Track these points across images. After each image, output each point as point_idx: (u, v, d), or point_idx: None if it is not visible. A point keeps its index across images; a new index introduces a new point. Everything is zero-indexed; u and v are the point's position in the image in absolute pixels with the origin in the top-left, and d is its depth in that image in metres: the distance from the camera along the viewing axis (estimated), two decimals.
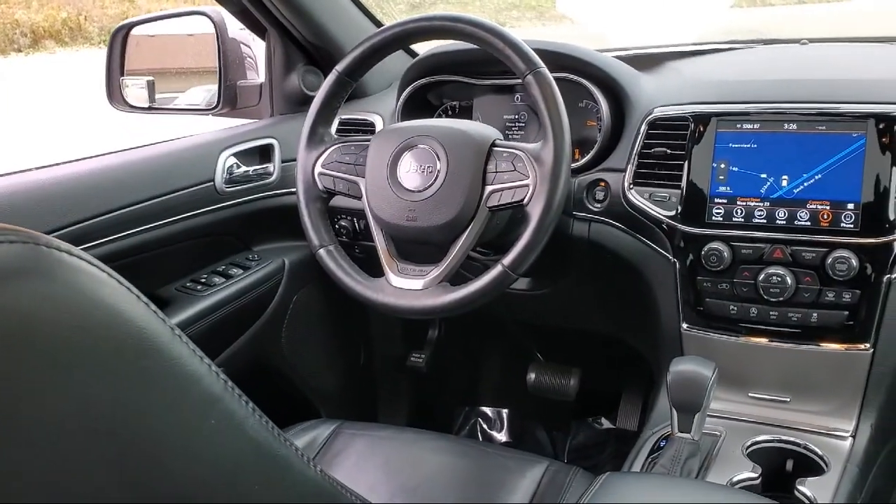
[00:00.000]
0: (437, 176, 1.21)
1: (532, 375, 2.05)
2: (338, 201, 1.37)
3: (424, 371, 1.99)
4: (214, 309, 1.48)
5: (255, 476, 0.46)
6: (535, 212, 1.14)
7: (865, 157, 1.16)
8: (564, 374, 2.02)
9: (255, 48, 1.83)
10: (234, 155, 1.57)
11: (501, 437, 2.17)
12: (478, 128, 1.25)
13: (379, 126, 1.64)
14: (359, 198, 1.29)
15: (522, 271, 1.16)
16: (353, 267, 1.29)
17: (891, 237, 1.14)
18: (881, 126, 1.16)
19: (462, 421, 2.18)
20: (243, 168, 1.59)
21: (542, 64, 1.16)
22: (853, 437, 1.21)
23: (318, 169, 1.31)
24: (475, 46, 1.30)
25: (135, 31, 1.78)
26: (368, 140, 1.30)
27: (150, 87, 1.78)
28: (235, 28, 1.77)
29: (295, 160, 1.33)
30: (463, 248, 1.20)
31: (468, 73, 1.54)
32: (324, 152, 1.31)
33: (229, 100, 1.75)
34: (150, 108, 1.77)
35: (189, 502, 0.42)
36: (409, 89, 1.57)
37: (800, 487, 1.11)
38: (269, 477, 0.47)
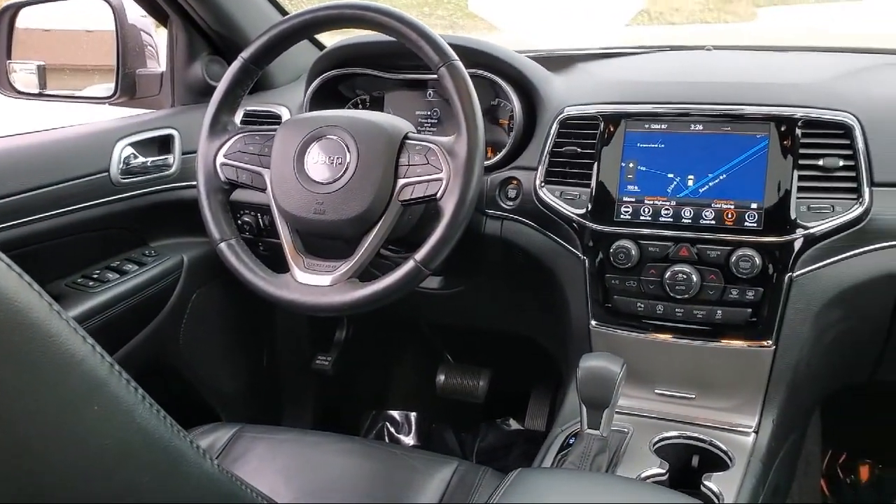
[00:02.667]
0: (346, 168, 1.17)
1: (441, 377, 2.03)
2: (241, 195, 1.32)
3: (331, 373, 1.95)
4: (107, 307, 1.40)
5: (145, 467, 0.42)
6: (448, 206, 1.12)
7: (768, 158, 1.19)
8: (474, 376, 2.02)
9: (158, 37, 1.75)
10: (132, 145, 1.49)
11: (409, 440, 2.14)
12: (390, 120, 1.22)
13: (285, 118, 1.59)
14: (263, 190, 1.24)
15: (435, 267, 1.14)
16: (255, 262, 1.24)
17: (791, 237, 1.17)
18: (782, 129, 1.19)
19: (369, 425, 2.14)
20: (141, 159, 1.51)
21: (456, 57, 1.15)
22: (756, 432, 1.24)
23: (220, 159, 1.26)
24: (387, 39, 1.27)
25: (29, 24, 1.68)
26: (274, 130, 1.25)
27: (41, 72, 1.67)
28: (136, 14, 1.68)
29: (196, 152, 1.27)
30: (373, 243, 1.17)
31: (380, 66, 1.51)
32: (227, 142, 1.26)
33: (127, 88, 1.66)
34: (40, 95, 1.66)
35: (69, 493, 0.38)
36: (317, 81, 1.53)
37: (706, 483, 1.12)
38: (160, 469, 0.43)
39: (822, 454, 1.77)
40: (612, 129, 1.27)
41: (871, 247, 1.18)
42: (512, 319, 1.65)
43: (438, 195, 1.13)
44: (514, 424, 2.11)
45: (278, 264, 1.24)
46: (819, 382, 1.34)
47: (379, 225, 1.17)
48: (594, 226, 1.26)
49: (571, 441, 1.23)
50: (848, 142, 1.18)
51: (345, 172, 1.17)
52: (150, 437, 0.42)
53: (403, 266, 1.14)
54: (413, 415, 2.14)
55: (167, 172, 1.56)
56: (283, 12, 1.73)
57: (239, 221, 1.58)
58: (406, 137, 1.18)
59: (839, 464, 1.85)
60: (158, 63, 1.80)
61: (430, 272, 1.15)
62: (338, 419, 2.08)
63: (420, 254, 1.13)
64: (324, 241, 1.31)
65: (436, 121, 1.53)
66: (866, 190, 1.16)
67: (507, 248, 1.39)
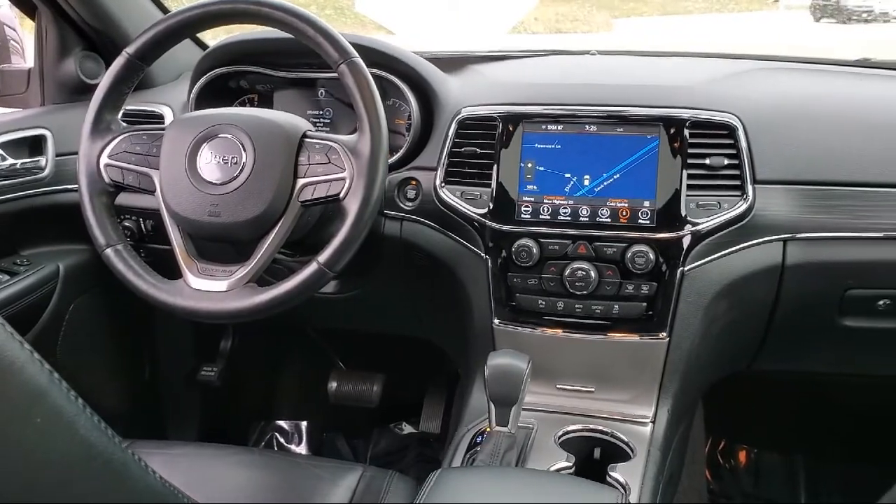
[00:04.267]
0: (242, 168, 1.13)
1: (333, 384, 2.00)
2: (122, 199, 1.24)
3: (217, 385, 1.88)
4: None
5: (89, 483, 0.38)
6: (352, 206, 1.10)
7: (659, 158, 1.24)
8: (367, 381, 1.99)
9: (25, 31, 1.64)
10: None
11: (300, 450, 2.09)
12: (287, 118, 1.19)
13: (168, 118, 1.52)
14: (152, 192, 1.18)
15: (339, 269, 1.12)
16: (145, 268, 1.17)
17: (682, 233, 1.22)
18: (671, 130, 1.24)
19: (258, 436, 2.08)
20: (9, 161, 1.41)
21: (356, 53, 1.13)
22: (653, 422, 1.28)
23: (104, 160, 1.19)
24: (276, 36, 1.24)
25: None
26: (163, 129, 1.19)
27: None
28: None
29: (72, 154, 1.20)
30: (272, 246, 1.13)
31: (268, 64, 1.47)
32: (111, 142, 1.19)
33: None
34: None
35: None
36: (203, 79, 1.47)
37: (611, 473, 1.15)
38: (105, 484, 0.39)
39: (705, 442, 1.86)
40: (510, 130, 1.29)
41: (755, 241, 1.24)
42: (408, 322, 1.64)
43: (341, 195, 1.11)
44: (407, 428, 2.10)
45: (164, 272, 1.18)
46: (706, 372, 1.40)
47: (278, 227, 1.13)
48: (496, 225, 1.27)
49: (479, 440, 1.23)
50: (732, 141, 1.24)
51: (240, 172, 1.13)
52: (94, 449, 0.38)
53: (306, 268, 1.11)
54: (304, 424, 2.10)
55: (39, 176, 1.45)
56: (163, 10, 1.65)
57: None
58: (305, 136, 1.15)
59: (719, 450, 1.95)
60: (24, 59, 1.68)
61: (334, 274, 1.12)
62: (225, 432, 2.00)
63: (323, 255, 1.11)
64: (218, 245, 1.26)
65: (328, 121, 1.50)
66: (750, 187, 1.22)
67: (406, 250, 1.38)
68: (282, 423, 2.09)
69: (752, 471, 1.91)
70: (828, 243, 1.25)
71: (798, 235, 1.25)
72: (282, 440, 2.07)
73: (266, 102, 1.52)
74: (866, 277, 1.28)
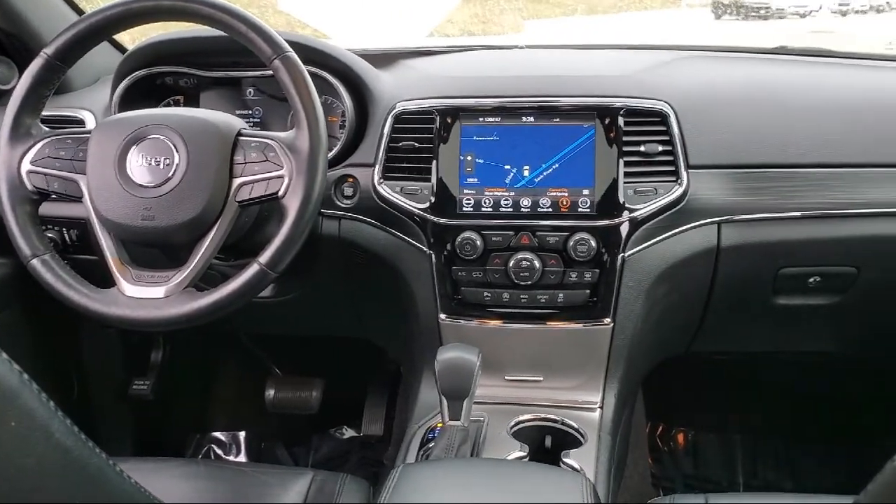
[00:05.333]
0: (175, 169, 1.10)
1: (271, 392, 1.96)
2: (43, 209, 1.19)
3: (150, 398, 1.81)
4: None
5: (65, 489, 0.35)
6: (292, 204, 1.08)
7: (595, 146, 1.25)
8: (305, 387, 1.96)
9: None
10: None
11: (239, 461, 2.03)
12: (220, 116, 1.16)
13: (90, 123, 1.45)
14: (79, 198, 1.14)
15: (281, 269, 1.09)
16: (76, 278, 1.13)
17: (621, 219, 1.24)
18: (606, 120, 1.26)
19: (194, 449, 2.01)
20: None
21: (290, 48, 1.10)
22: (601, 407, 1.30)
23: (25, 166, 1.13)
24: (200, 34, 1.20)
25: None
26: (88, 132, 1.15)
27: None
28: None
29: None
30: (210, 249, 1.10)
31: (194, 63, 1.43)
32: (32, 147, 1.14)
33: None
34: None
35: None
36: (125, 81, 1.41)
37: (565, 460, 1.15)
38: (84, 491, 0.36)
39: (645, 426, 1.89)
40: (448, 123, 1.28)
41: (691, 225, 1.27)
42: (347, 323, 1.62)
43: (280, 193, 1.09)
44: (348, 432, 2.07)
45: (94, 283, 1.13)
46: (648, 356, 1.43)
47: (215, 229, 1.10)
48: (438, 219, 1.27)
49: (431, 436, 1.22)
50: (665, 128, 1.26)
51: (174, 174, 1.10)
52: (70, 454, 0.35)
53: (247, 270, 1.08)
54: (241, 434, 2.05)
55: None
56: (78, 11, 1.58)
57: None
58: (240, 134, 1.13)
59: (658, 435, 1.98)
60: None
61: (276, 275, 1.10)
62: (160, 446, 1.93)
63: (265, 256, 1.08)
64: (153, 251, 1.22)
65: (258, 120, 1.47)
66: (684, 173, 1.25)
67: (345, 249, 1.36)
68: (218, 434, 2.03)
69: (691, 453, 1.96)
70: (760, 224, 1.29)
71: (731, 218, 1.28)
72: (219, 452, 2.01)
73: (192, 103, 1.47)
74: (797, 256, 1.32)
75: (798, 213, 1.28)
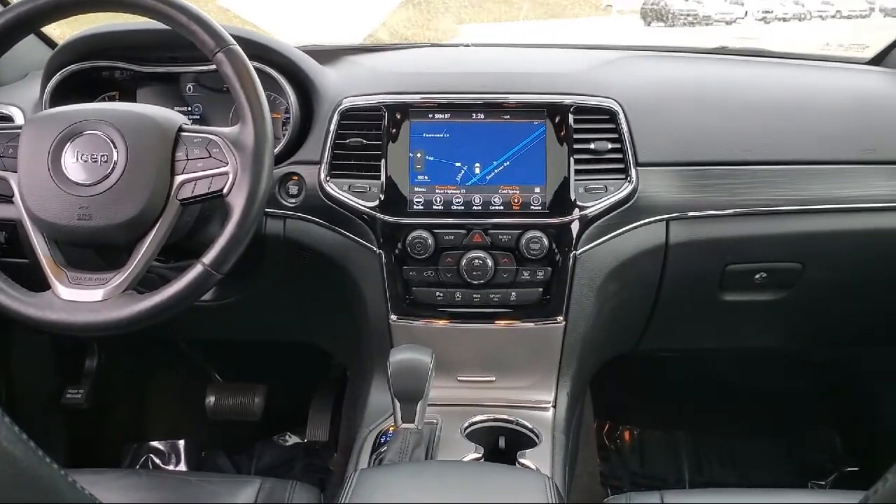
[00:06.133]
0: (113, 166, 1.05)
1: (211, 398, 1.90)
2: None
3: (84, 407, 1.73)
4: None
5: (18, 499, 0.32)
6: (237, 202, 1.04)
7: (546, 144, 1.25)
8: (247, 393, 1.91)
9: None
10: None
11: (179, 470, 1.96)
12: (161, 111, 1.12)
13: (18, 119, 1.38)
14: (9, 197, 1.08)
15: (226, 270, 1.05)
16: (7, 281, 1.07)
17: (572, 217, 1.23)
18: (557, 117, 1.25)
19: (131, 459, 1.94)
20: None
21: (233, 40, 1.06)
22: (554, 406, 1.29)
23: None
24: (136, 27, 1.16)
25: None
26: (19, 128, 1.09)
27: None
28: None
29: None
30: (151, 249, 1.06)
31: (130, 58, 1.37)
32: None
33: None
34: None
35: None
36: (57, 76, 1.34)
37: (521, 460, 1.14)
38: (36, 501, 0.33)
39: (593, 425, 1.90)
40: (397, 120, 1.26)
41: (640, 222, 1.28)
42: (292, 326, 1.57)
43: (225, 191, 1.05)
44: (292, 438, 2.02)
45: (26, 287, 1.07)
46: (598, 354, 1.42)
47: (156, 228, 1.06)
48: (388, 218, 1.24)
49: (383, 440, 1.19)
50: (614, 126, 1.26)
51: (112, 171, 1.05)
52: (20, 464, 0.32)
53: (190, 271, 1.04)
54: (181, 443, 1.97)
55: None
56: (3, 2, 1.50)
57: None
58: (181, 129, 1.09)
59: (605, 433, 1.99)
60: None
61: (221, 276, 1.06)
62: (94, 457, 1.85)
63: (209, 256, 1.04)
64: (90, 251, 1.16)
65: (197, 117, 1.42)
66: (633, 170, 1.25)
67: (291, 249, 1.32)
68: (156, 443, 1.96)
69: (638, 451, 1.97)
70: (707, 221, 1.30)
71: (679, 215, 1.29)
72: (158, 461, 1.94)
73: (128, 99, 1.42)
74: (744, 252, 1.34)
75: (744, 210, 1.30)
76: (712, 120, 1.33)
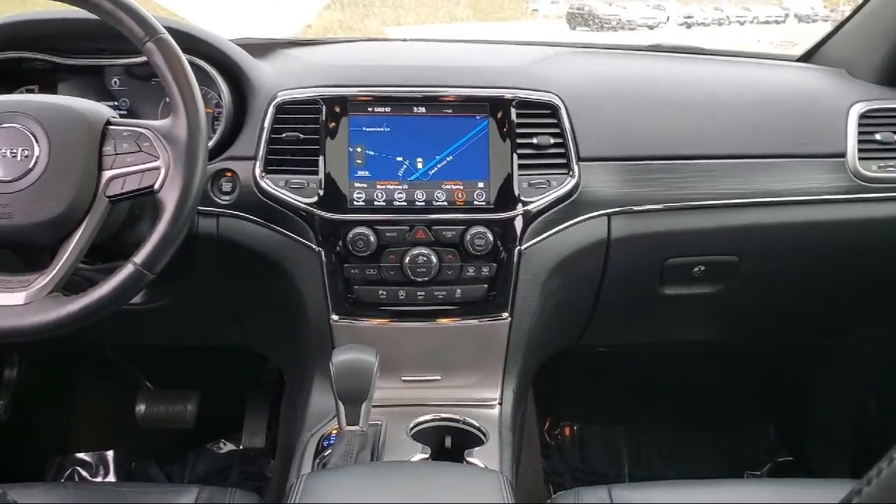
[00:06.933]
0: (35, 162, 1.00)
1: (142, 407, 1.83)
2: None
3: (3, 420, 1.64)
4: None
5: None
6: (169, 198, 1.00)
7: (489, 139, 1.23)
8: (180, 400, 1.84)
9: None
10: None
11: (108, 482, 1.87)
12: (86, 104, 1.06)
13: None
14: None
15: (159, 270, 1.00)
16: None
17: (515, 212, 1.22)
18: (499, 110, 1.24)
19: (55, 472, 1.84)
20: None
21: (164, 29, 1.02)
22: (500, 403, 1.27)
23: None
24: (56, 16, 1.10)
25: None
26: None
27: None
28: None
29: None
30: (77, 249, 1.01)
31: (50, 49, 1.30)
32: None
33: None
34: None
35: None
36: None
37: (469, 459, 1.12)
38: None
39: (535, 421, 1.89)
40: (336, 113, 1.23)
41: (583, 217, 1.28)
42: (227, 330, 1.52)
43: (156, 187, 1.00)
44: (227, 446, 1.96)
45: None
46: (543, 350, 1.42)
47: (83, 227, 1.01)
48: (327, 214, 1.20)
49: (326, 443, 1.16)
50: (556, 121, 1.26)
51: (34, 167, 1.00)
52: None
53: (120, 271, 0.99)
54: (110, 454, 1.89)
55: None
56: None
57: None
58: (109, 123, 1.04)
59: (546, 429, 1.99)
60: None
61: (153, 276, 1.01)
62: (14, 473, 1.76)
63: (140, 255, 0.99)
64: (7, 253, 1.09)
65: (124, 112, 1.35)
66: (575, 165, 1.25)
67: (225, 249, 1.27)
68: (83, 455, 1.87)
69: (578, 446, 1.98)
70: (648, 215, 1.31)
71: (620, 209, 1.30)
72: (84, 474, 1.85)
73: (49, 93, 1.34)
74: (683, 246, 1.35)
75: (683, 204, 1.31)
76: (651, 115, 1.34)
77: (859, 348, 1.67)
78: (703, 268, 1.38)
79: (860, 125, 1.37)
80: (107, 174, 1.01)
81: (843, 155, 1.36)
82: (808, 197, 1.34)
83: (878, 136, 1.38)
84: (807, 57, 1.61)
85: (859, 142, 1.36)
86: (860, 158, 1.36)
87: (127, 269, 0.98)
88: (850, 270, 1.46)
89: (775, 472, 1.87)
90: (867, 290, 1.53)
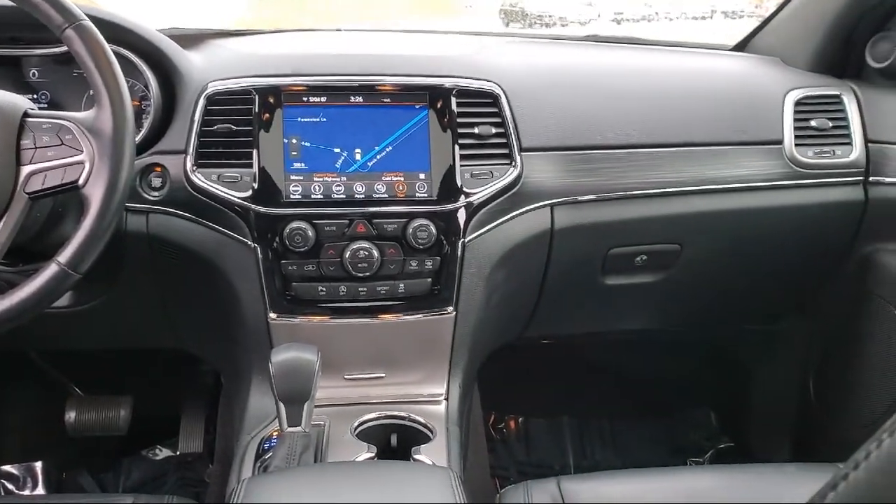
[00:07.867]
0: None
1: (72, 414, 1.75)
2: None
3: None
4: None
5: None
6: (95, 194, 0.95)
7: (429, 128, 1.20)
8: (112, 406, 1.77)
9: None
10: None
11: (37, 495, 1.79)
12: (0, 95, 0.99)
13: None
14: None
15: (85, 270, 0.95)
16: None
17: (459, 204, 1.20)
18: (439, 99, 1.21)
19: None
20: None
21: (84, 15, 0.96)
22: (446, 399, 1.25)
23: None
24: None
25: None
26: None
27: None
28: None
29: None
30: None
31: None
32: None
33: None
34: None
35: None
36: None
37: (416, 457, 1.09)
38: None
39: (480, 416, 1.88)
40: (269, 104, 1.18)
41: (526, 208, 1.26)
42: (160, 332, 1.46)
43: (81, 181, 0.95)
44: (163, 452, 1.89)
45: None
46: (488, 343, 1.40)
47: (0, 226, 0.94)
48: (262, 209, 1.16)
49: (267, 446, 1.12)
50: (497, 110, 1.24)
51: None
52: None
53: (43, 272, 0.94)
54: (38, 465, 1.80)
55: None
56: None
57: None
58: (27, 115, 0.98)
59: (490, 423, 1.98)
60: None
61: (79, 276, 0.96)
62: None
63: (64, 254, 0.94)
64: None
65: (45, 105, 1.28)
66: (517, 156, 1.23)
67: (155, 247, 1.22)
68: (8, 467, 1.78)
69: (523, 439, 1.97)
70: (590, 205, 1.31)
71: (563, 200, 1.29)
72: (10, 487, 1.76)
73: None
74: (625, 235, 1.35)
75: (625, 193, 1.31)
76: (590, 105, 1.33)
77: (798, 332, 1.70)
78: (644, 257, 1.38)
79: (796, 112, 1.39)
80: (26, 169, 0.95)
81: (780, 142, 1.37)
82: (746, 184, 1.36)
83: (813, 123, 1.40)
84: (741, 46, 1.63)
85: (795, 128, 1.38)
86: (797, 145, 1.38)
87: (50, 270, 0.93)
88: (788, 255, 1.49)
89: (717, 458, 1.90)
90: (804, 273, 1.56)
